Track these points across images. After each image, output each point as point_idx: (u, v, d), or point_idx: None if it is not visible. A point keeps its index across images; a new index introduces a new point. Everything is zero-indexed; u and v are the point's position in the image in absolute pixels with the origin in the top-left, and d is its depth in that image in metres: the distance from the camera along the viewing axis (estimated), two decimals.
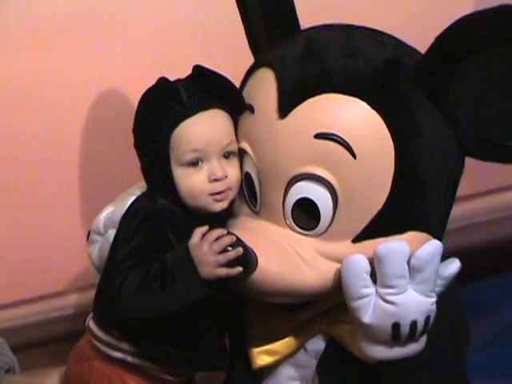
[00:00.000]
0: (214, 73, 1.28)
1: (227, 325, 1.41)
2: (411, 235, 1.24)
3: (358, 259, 1.19)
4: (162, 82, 1.31)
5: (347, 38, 1.29)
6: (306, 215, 1.25)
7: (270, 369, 1.42)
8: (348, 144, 1.20)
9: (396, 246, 1.18)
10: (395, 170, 1.22)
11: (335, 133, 1.20)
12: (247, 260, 1.18)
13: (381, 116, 1.21)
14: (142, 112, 1.32)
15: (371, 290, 1.19)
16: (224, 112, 1.28)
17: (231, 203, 1.30)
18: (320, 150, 1.21)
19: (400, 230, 1.24)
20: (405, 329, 1.19)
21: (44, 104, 1.84)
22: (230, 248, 1.16)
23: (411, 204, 1.25)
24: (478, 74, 1.21)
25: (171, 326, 1.28)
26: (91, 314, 1.40)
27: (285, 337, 1.38)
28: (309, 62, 1.25)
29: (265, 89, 1.28)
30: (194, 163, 1.25)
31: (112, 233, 1.41)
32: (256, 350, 1.39)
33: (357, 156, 1.20)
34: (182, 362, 1.35)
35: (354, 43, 1.27)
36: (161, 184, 1.29)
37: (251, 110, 1.28)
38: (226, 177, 1.25)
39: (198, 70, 1.28)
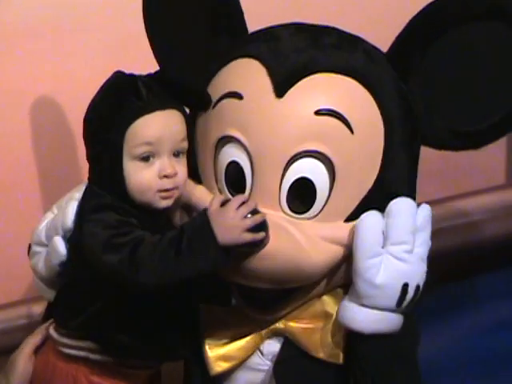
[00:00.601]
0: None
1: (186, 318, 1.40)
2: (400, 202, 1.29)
3: (375, 216, 1.23)
4: (121, 75, 1.31)
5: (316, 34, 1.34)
6: (298, 200, 1.26)
7: (227, 375, 1.39)
8: (346, 119, 1.24)
9: (408, 201, 1.25)
10: (384, 146, 1.27)
11: (335, 109, 1.24)
12: (267, 228, 1.19)
13: (372, 96, 1.27)
14: (98, 103, 1.31)
15: (383, 249, 1.23)
16: (180, 113, 1.31)
17: (175, 201, 1.31)
18: (320, 127, 1.24)
19: (389, 198, 1.28)
20: (411, 291, 1.23)
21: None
22: (250, 215, 1.18)
23: (396, 178, 1.31)
24: (444, 59, 1.31)
25: (130, 318, 1.31)
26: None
27: (241, 339, 1.37)
28: (294, 53, 1.29)
29: (252, 75, 1.29)
30: (146, 158, 1.26)
31: (57, 239, 1.38)
32: (212, 356, 1.37)
33: (354, 131, 1.24)
34: (143, 354, 1.36)
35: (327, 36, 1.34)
36: (107, 177, 1.29)
37: (238, 96, 1.28)
38: (175, 174, 1.27)
39: (164, 69, 1.34)
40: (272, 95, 1.25)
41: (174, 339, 1.38)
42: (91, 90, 1.31)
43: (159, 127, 1.28)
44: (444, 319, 1.82)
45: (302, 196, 1.26)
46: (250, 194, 1.27)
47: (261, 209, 1.22)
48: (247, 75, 1.30)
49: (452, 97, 1.33)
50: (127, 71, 1.31)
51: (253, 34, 1.40)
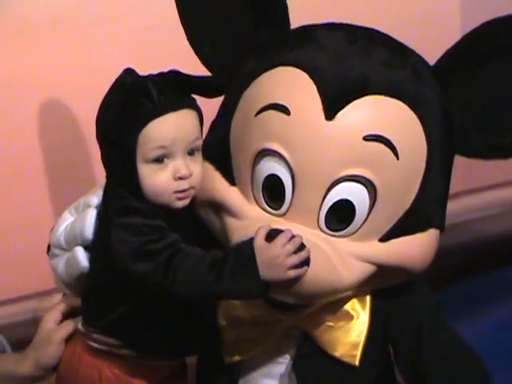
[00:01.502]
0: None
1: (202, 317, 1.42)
2: (432, 232, 1.31)
3: None
4: (131, 75, 1.31)
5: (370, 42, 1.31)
6: (336, 218, 1.26)
7: (244, 365, 1.40)
8: (394, 146, 1.22)
9: None
10: (425, 170, 1.27)
11: (382, 134, 1.22)
12: (310, 260, 1.20)
13: (419, 119, 1.25)
14: (109, 105, 1.31)
15: None
16: (193, 111, 1.31)
17: (192, 200, 1.32)
18: (367, 152, 1.22)
19: (423, 228, 1.29)
20: None
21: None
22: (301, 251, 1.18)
23: (432, 203, 1.31)
24: (489, 81, 1.31)
25: (155, 318, 1.35)
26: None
27: (260, 331, 1.38)
28: (347, 65, 1.25)
29: (302, 89, 1.25)
30: (159, 160, 1.26)
31: (79, 250, 1.40)
32: (229, 343, 1.38)
33: (400, 157, 1.23)
34: (167, 350, 1.40)
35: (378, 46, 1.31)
36: (123, 179, 1.30)
37: (285, 111, 1.25)
38: (190, 175, 1.28)
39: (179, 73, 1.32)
40: (321, 115, 1.23)
41: (196, 336, 1.41)
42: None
43: (172, 129, 1.27)
44: (472, 312, 1.85)
45: (340, 215, 1.25)
46: (288, 209, 1.26)
47: (298, 225, 1.23)
48: (296, 88, 1.26)
49: (490, 113, 1.33)
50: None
51: (296, 32, 1.35)
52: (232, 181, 1.32)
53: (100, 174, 1.41)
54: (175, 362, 1.45)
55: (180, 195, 1.29)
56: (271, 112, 1.26)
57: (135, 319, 1.36)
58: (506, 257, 2.25)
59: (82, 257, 1.39)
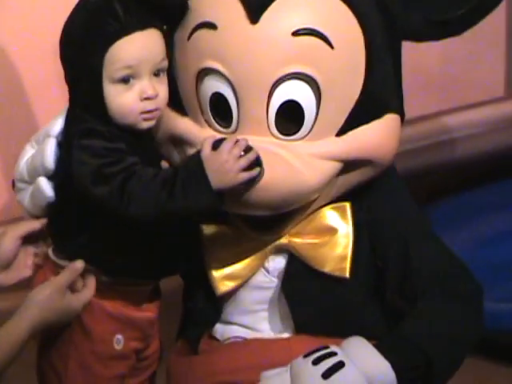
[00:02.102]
0: None
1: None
2: (388, 118, 1.33)
3: None
4: None
5: None
6: (286, 121, 1.28)
7: (233, 295, 1.44)
8: (325, 36, 1.24)
9: None
10: (366, 56, 1.28)
11: (311, 27, 1.24)
12: (261, 163, 1.21)
13: (349, 7, 1.27)
14: (73, 24, 1.32)
15: None
16: (159, 31, 1.31)
17: (157, 121, 1.35)
18: (299, 47, 1.25)
19: (378, 114, 1.31)
20: None
21: None
22: (243, 153, 1.20)
23: (382, 88, 1.32)
24: None
25: (122, 242, 1.37)
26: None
27: (246, 258, 1.40)
28: None
29: (224, 2, 1.29)
30: (126, 80, 1.28)
31: (42, 180, 1.43)
32: (217, 276, 1.41)
33: (334, 46, 1.25)
34: (140, 273, 1.43)
35: None
36: (89, 100, 1.32)
37: (212, 26, 1.28)
38: (156, 96, 1.29)
39: None
40: (246, 21, 1.25)
41: (168, 258, 1.44)
42: None
43: (139, 49, 1.28)
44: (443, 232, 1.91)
45: (290, 118, 1.28)
46: (237, 124, 1.29)
47: (251, 136, 1.25)
48: (219, 3, 1.29)
49: None
50: None
51: None
52: (183, 112, 1.35)
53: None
54: (150, 285, 1.49)
55: (146, 115, 1.31)
56: (201, 31, 1.29)
57: (103, 243, 1.39)
58: (483, 176, 2.37)
59: (45, 187, 1.43)
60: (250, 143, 1.22)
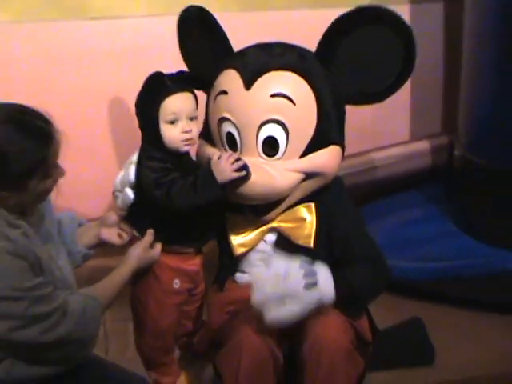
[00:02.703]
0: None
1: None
2: (332, 148, 2.08)
3: None
4: (155, 73, 2.12)
5: (270, 48, 2.12)
6: (268, 148, 2.05)
7: (244, 255, 2.20)
8: (289, 97, 2.01)
9: None
10: (317, 112, 2.04)
11: (282, 92, 2.02)
12: (248, 168, 1.97)
13: (304, 79, 2.03)
14: (142, 92, 2.12)
15: None
16: (192, 94, 2.11)
17: (197, 150, 2.19)
18: (274, 104, 2.02)
19: (325, 145, 2.07)
20: None
21: None
22: (235, 161, 1.97)
23: (322, 130, 2.06)
24: (351, 50, 2.07)
25: (177, 223, 2.14)
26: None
27: (252, 233, 2.16)
28: (255, 60, 2.06)
29: (232, 79, 2.07)
30: (172, 122, 2.07)
31: (128, 190, 2.19)
32: (235, 244, 2.17)
33: (296, 103, 2.01)
34: (189, 240, 2.24)
35: (276, 48, 2.11)
36: (152, 136, 2.09)
37: (225, 93, 2.07)
38: (191, 130, 2.09)
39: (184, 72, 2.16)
40: (244, 89, 2.03)
41: (202, 232, 2.23)
42: None
43: (179, 103, 2.07)
44: (376, 221, 2.78)
45: (270, 146, 2.04)
46: (240, 149, 2.06)
47: (247, 157, 2.01)
48: (229, 79, 2.08)
49: (360, 72, 2.08)
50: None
51: (234, 53, 2.18)
52: (212, 143, 2.16)
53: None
54: (192, 249, 2.26)
55: (185, 143, 2.09)
56: (220, 96, 2.09)
57: (161, 225, 2.15)
58: (395, 188, 3.39)
59: (129, 193, 2.17)
60: (245, 159, 1.97)
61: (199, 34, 2.22)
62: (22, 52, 3.04)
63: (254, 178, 1.99)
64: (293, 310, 1.91)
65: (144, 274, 2.20)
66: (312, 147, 2.06)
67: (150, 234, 2.17)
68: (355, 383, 2.09)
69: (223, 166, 1.97)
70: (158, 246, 2.19)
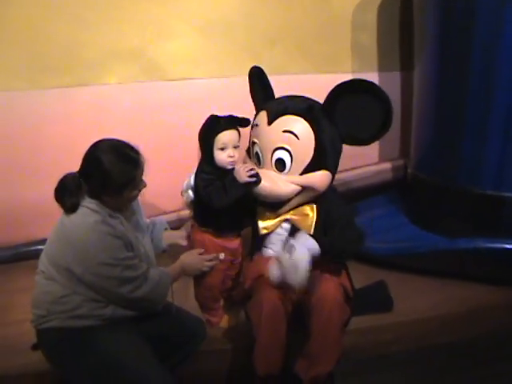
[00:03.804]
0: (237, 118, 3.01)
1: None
2: (323, 172, 2.92)
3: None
4: (211, 116, 2.98)
5: (292, 98, 2.99)
6: (279, 165, 2.92)
7: (267, 236, 3.07)
8: (295, 134, 2.88)
9: None
10: (315, 145, 2.89)
11: (289, 129, 2.88)
12: (258, 176, 2.84)
13: (308, 123, 2.88)
14: (202, 129, 2.98)
15: None
16: (237, 131, 2.94)
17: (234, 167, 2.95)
18: (284, 137, 2.89)
19: (319, 169, 2.90)
20: None
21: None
22: (250, 170, 2.84)
23: (318, 159, 2.89)
24: (347, 108, 2.89)
25: (222, 214, 2.98)
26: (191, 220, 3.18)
27: (272, 220, 3.01)
28: (278, 105, 2.95)
29: (262, 117, 2.96)
30: (223, 149, 2.92)
31: (190, 192, 3.10)
32: (261, 227, 3.06)
33: (299, 138, 2.87)
34: (230, 228, 3.13)
35: (296, 99, 2.98)
36: (208, 157, 2.94)
37: (257, 125, 2.97)
38: (234, 155, 2.93)
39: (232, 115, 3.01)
40: (267, 124, 2.92)
41: (239, 221, 3.11)
42: None
43: (227, 137, 2.91)
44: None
45: (280, 165, 2.90)
46: (262, 164, 2.95)
47: (265, 169, 2.91)
48: (261, 117, 2.97)
49: (352, 122, 2.88)
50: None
51: (273, 99, 3.09)
52: (250, 158, 3.07)
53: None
54: (232, 234, 3.14)
55: (230, 163, 2.91)
56: (255, 127, 3.00)
57: (212, 217, 2.99)
58: (368, 193, 4.49)
59: (191, 193, 3.06)
60: (261, 170, 2.84)
61: (258, 84, 3.14)
62: (127, 104, 4.08)
63: (264, 183, 2.87)
64: (301, 271, 2.76)
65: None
66: (308, 169, 2.92)
67: (199, 250, 3.08)
68: (344, 324, 2.96)
69: (241, 172, 2.84)
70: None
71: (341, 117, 2.89)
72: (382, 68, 4.51)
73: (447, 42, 3.76)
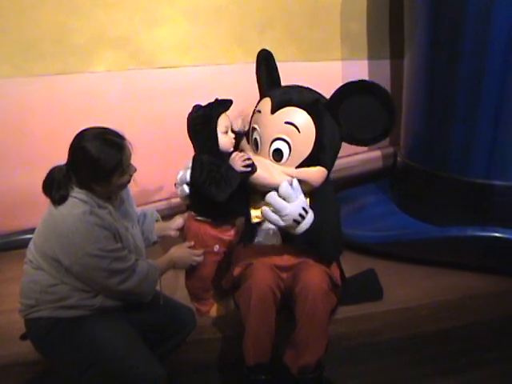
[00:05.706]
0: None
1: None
2: (319, 168, 2.92)
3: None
4: (199, 106, 3.01)
5: (298, 89, 2.97)
6: (276, 156, 2.92)
7: (258, 224, 3.07)
8: (297, 126, 2.87)
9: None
10: (314, 140, 2.89)
11: (291, 121, 2.88)
12: (254, 165, 2.86)
13: (311, 117, 2.88)
14: (200, 118, 3.00)
15: None
16: (226, 115, 2.98)
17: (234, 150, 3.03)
18: (285, 128, 2.88)
19: (315, 165, 2.91)
20: None
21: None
22: (245, 159, 2.86)
23: (315, 154, 2.90)
24: (352, 107, 2.88)
25: (218, 205, 2.95)
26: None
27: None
28: (283, 95, 2.93)
29: (266, 104, 2.95)
30: (225, 132, 3.00)
31: (185, 186, 3.11)
32: (253, 216, 3.05)
33: (300, 131, 2.87)
34: (225, 217, 3.15)
35: (302, 91, 2.96)
36: (211, 144, 2.97)
37: (259, 112, 2.96)
38: (234, 138, 3.04)
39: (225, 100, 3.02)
40: (269, 113, 2.90)
41: (234, 211, 3.10)
42: None
43: (228, 119, 2.99)
44: (347, 204, 3.96)
45: (278, 155, 2.90)
46: (260, 151, 2.94)
47: (262, 157, 2.91)
48: (265, 103, 2.95)
49: (354, 123, 2.89)
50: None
51: (278, 86, 3.08)
52: (248, 143, 3.06)
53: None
54: (227, 223, 3.15)
55: (232, 145, 3.00)
56: (256, 113, 2.99)
57: (210, 207, 2.98)
58: (359, 181, 4.62)
59: (186, 188, 3.09)
60: (258, 158, 2.85)
61: (265, 68, 3.12)
62: (115, 92, 4.07)
63: (259, 172, 2.88)
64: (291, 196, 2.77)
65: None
66: (305, 163, 2.92)
67: (189, 244, 3.10)
68: (330, 313, 2.93)
69: (236, 161, 2.87)
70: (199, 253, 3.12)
71: (344, 115, 2.89)
72: (372, 56, 4.54)
73: (437, 30, 3.78)
